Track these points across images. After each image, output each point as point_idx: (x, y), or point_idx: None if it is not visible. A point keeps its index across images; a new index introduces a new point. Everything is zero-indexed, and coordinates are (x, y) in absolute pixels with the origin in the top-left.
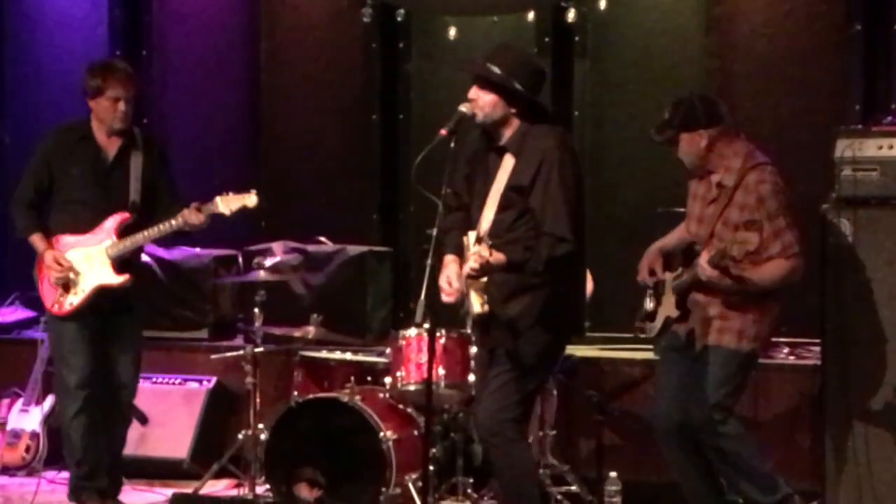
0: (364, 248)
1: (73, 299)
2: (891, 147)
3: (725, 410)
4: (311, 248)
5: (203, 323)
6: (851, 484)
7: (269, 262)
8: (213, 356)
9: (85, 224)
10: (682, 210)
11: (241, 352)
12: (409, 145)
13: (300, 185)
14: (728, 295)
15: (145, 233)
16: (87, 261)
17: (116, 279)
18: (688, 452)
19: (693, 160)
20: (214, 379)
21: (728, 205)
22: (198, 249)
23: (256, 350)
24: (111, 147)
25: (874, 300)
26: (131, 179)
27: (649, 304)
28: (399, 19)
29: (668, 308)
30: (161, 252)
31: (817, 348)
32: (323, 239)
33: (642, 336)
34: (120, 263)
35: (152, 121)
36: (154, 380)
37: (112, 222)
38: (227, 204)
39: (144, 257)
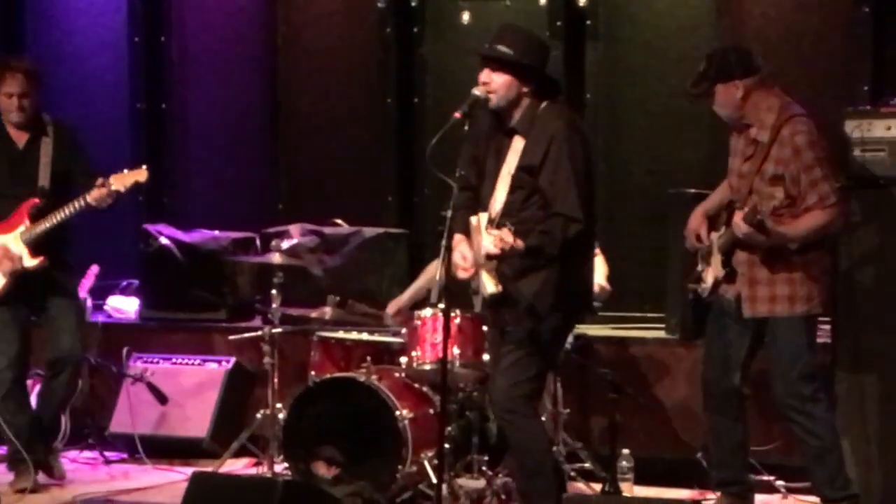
0: (380, 230)
1: None
2: None
3: (812, 379)
4: (327, 230)
5: (221, 304)
6: (862, 461)
7: (286, 244)
8: (232, 337)
9: (2, 212)
10: (692, 191)
11: (259, 332)
12: (424, 128)
13: (317, 169)
14: (769, 252)
15: (55, 215)
16: (5, 247)
17: (32, 262)
18: (728, 420)
19: (729, 113)
20: (233, 359)
21: (765, 160)
22: (216, 232)
23: (274, 331)
24: (21, 137)
25: (883, 279)
26: (41, 166)
27: (700, 266)
28: (413, 4)
29: (716, 268)
30: (180, 235)
31: (828, 326)
32: (339, 221)
33: (692, 298)
34: (36, 247)
35: (171, 106)
36: (173, 360)
37: (24, 209)
38: (121, 181)
39: (163, 240)
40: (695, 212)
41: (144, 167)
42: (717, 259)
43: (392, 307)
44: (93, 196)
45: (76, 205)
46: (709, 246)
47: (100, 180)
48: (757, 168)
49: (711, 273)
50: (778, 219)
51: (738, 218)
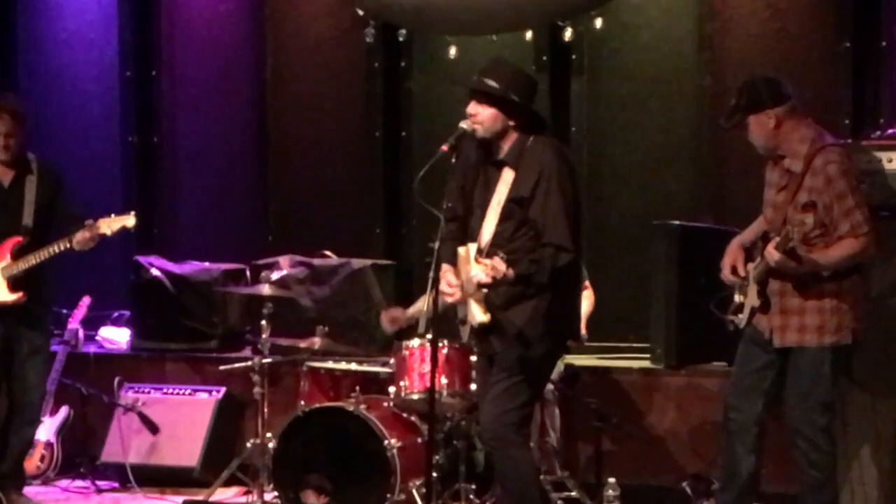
0: (368, 262)
1: None
2: (880, 160)
3: (827, 409)
4: (316, 261)
5: (212, 335)
6: (847, 487)
7: (275, 275)
8: (223, 367)
9: None
10: (676, 222)
11: (250, 363)
12: (412, 161)
13: (306, 201)
14: (802, 282)
15: (38, 254)
16: None
17: (10, 297)
18: (744, 448)
19: (764, 142)
20: (223, 389)
21: (798, 189)
22: (207, 263)
23: (264, 361)
24: (6, 175)
25: (867, 308)
26: (25, 204)
27: (738, 298)
28: (401, 39)
29: (752, 298)
30: (171, 266)
31: None
32: (328, 253)
33: (731, 329)
34: (15, 282)
35: (162, 139)
36: (165, 390)
37: (7, 245)
38: (108, 225)
39: (154, 271)
40: (731, 244)
41: (133, 213)
42: (752, 289)
43: (392, 312)
44: (77, 239)
45: (59, 246)
46: (745, 277)
47: (88, 222)
48: (791, 198)
49: (748, 303)
50: (811, 248)
51: (770, 247)
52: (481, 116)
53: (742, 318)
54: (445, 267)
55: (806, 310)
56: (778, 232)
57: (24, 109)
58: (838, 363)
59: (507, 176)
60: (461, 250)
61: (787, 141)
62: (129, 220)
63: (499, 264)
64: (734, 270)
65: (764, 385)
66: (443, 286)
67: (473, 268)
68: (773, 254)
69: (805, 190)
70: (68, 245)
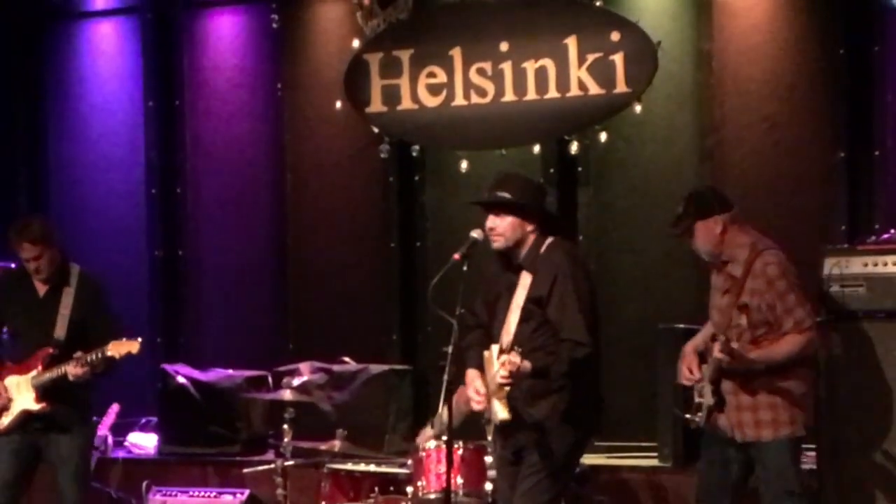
0: (385, 367)
1: (5, 420)
2: (875, 264)
3: (795, 498)
4: (335, 367)
5: (236, 439)
6: None
7: (296, 381)
8: (246, 470)
9: (21, 354)
10: (681, 326)
11: (272, 465)
12: (425, 270)
13: (325, 310)
14: (751, 379)
15: (60, 368)
16: (17, 387)
17: (35, 406)
18: None
19: (709, 248)
20: (247, 491)
21: (740, 293)
22: (230, 371)
23: (286, 463)
24: (43, 287)
25: (864, 408)
26: (59, 317)
27: (696, 398)
28: (414, 154)
29: (707, 398)
30: (196, 374)
31: (813, 453)
32: (347, 359)
33: (692, 427)
34: (44, 391)
35: (187, 252)
36: (191, 493)
37: (39, 355)
38: (117, 348)
39: (180, 379)
40: (685, 348)
41: (139, 339)
42: (707, 389)
43: (425, 434)
44: (70, 372)
45: (61, 370)
46: (700, 378)
47: (77, 354)
48: (734, 301)
49: (705, 403)
50: (759, 345)
51: (715, 350)
52: (501, 228)
53: (701, 417)
54: (473, 373)
55: (759, 406)
56: (724, 334)
57: (44, 232)
58: (797, 453)
59: (525, 279)
60: (485, 353)
61: (729, 247)
62: (134, 346)
63: (514, 357)
64: (690, 371)
65: (729, 479)
66: (470, 393)
67: (494, 366)
68: (719, 356)
69: (747, 293)
70: (61, 371)
